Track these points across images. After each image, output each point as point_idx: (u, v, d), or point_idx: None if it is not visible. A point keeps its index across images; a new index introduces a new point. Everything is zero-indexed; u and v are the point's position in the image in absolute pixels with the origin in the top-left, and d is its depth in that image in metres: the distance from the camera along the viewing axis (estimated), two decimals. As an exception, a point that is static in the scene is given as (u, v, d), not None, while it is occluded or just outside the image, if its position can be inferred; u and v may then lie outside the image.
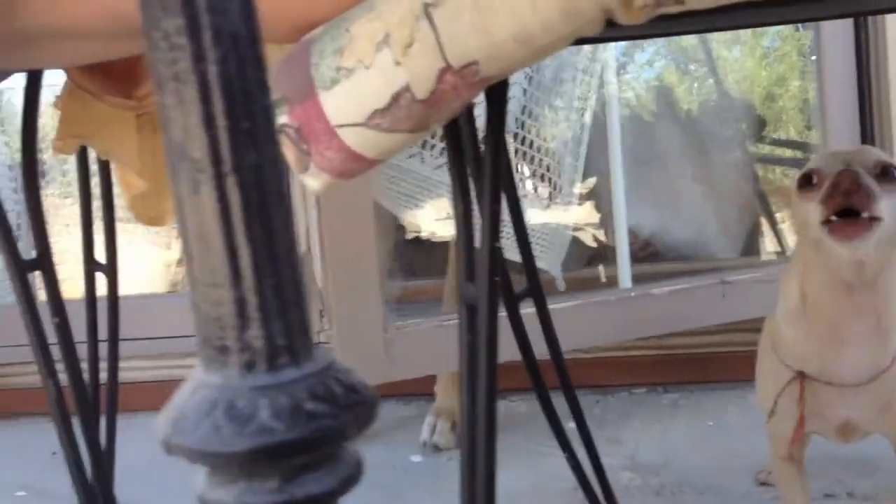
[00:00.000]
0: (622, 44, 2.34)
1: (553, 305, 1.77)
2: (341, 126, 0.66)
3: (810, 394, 1.07)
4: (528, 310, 1.58)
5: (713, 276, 1.91)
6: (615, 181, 2.00)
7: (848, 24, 2.00)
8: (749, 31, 2.98)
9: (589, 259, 2.62)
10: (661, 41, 2.67)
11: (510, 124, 1.82)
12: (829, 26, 2.03)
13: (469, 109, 0.90)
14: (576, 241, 2.27)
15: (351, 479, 0.41)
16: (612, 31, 0.60)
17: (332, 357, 0.43)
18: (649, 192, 2.43)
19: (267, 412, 0.37)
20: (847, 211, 0.94)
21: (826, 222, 0.96)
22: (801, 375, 1.07)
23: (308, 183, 0.70)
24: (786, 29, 3.01)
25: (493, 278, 0.76)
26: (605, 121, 2.09)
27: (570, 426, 1.94)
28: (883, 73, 1.96)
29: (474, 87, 0.63)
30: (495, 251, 0.76)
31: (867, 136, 2.02)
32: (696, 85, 3.14)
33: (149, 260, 3.11)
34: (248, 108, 0.39)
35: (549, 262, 1.95)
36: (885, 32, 1.94)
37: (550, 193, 1.97)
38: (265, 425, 0.37)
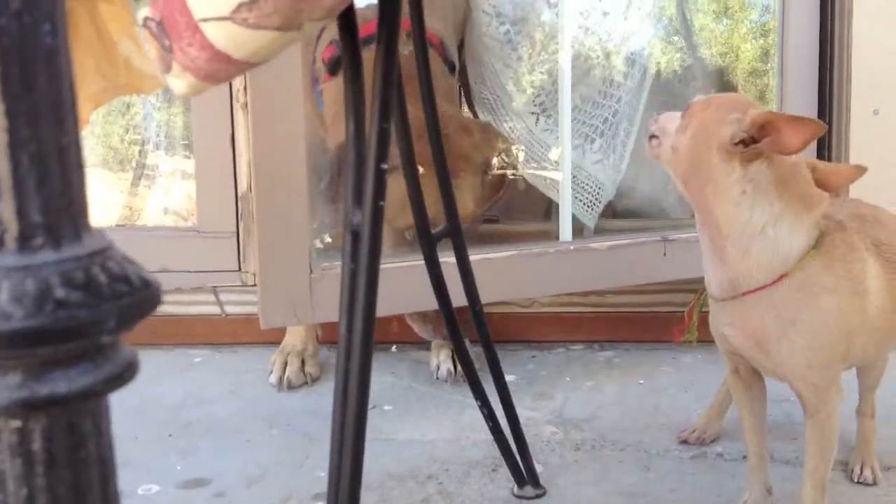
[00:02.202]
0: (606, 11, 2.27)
1: (490, 255, 1.74)
2: (205, 20, 0.60)
3: (708, 304, 1.21)
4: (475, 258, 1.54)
5: (655, 234, 1.88)
6: (563, 134, 1.95)
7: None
8: (738, 4, 2.98)
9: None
10: (643, 11, 2.59)
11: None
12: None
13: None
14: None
15: (115, 379, 0.36)
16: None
17: (108, 243, 0.38)
18: (610, 150, 2.39)
19: (6, 295, 0.33)
20: None
21: None
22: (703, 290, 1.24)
23: (173, 85, 0.65)
24: (775, 3, 2.97)
25: (379, 203, 0.72)
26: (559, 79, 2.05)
27: (506, 378, 1.92)
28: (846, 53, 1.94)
29: (348, -17, 0.58)
30: (382, 173, 0.71)
31: (824, 111, 2.00)
32: (677, 54, 3.11)
33: (97, 193, 3.04)
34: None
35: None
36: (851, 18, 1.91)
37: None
38: (2, 310, 0.32)
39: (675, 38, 2.96)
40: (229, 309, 2.13)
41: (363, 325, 0.72)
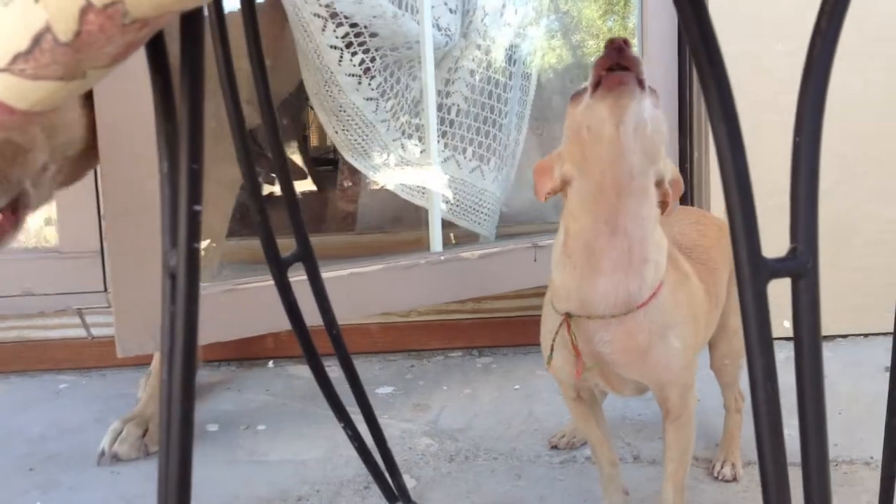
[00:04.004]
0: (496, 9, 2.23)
1: (359, 269, 1.73)
2: (-18, 70, 0.57)
3: (576, 330, 1.09)
4: (340, 272, 1.50)
5: (525, 240, 1.90)
6: (430, 142, 1.95)
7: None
8: (623, 1, 3.02)
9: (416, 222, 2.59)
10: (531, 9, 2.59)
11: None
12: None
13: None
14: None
15: None
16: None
17: None
18: (488, 154, 2.39)
19: None
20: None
21: (597, 87, 0.97)
22: (567, 316, 1.09)
23: (-42, 135, 0.61)
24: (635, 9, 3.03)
25: (193, 245, 0.70)
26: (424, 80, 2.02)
27: (383, 391, 1.92)
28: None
29: (129, 30, 0.56)
30: (195, 215, 0.69)
31: (685, 119, 2.05)
32: (559, 52, 3.13)
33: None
34: None
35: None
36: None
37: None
38: None
39: (557, 34, 2.99)
40: (96, 331, 2.06)
41: (183, 372, 0.70)
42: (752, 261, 0.59)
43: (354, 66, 1.90)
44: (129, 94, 1.41)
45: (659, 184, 1.07)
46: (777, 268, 0.62)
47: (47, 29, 0.55)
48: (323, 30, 1.86)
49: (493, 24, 2.12)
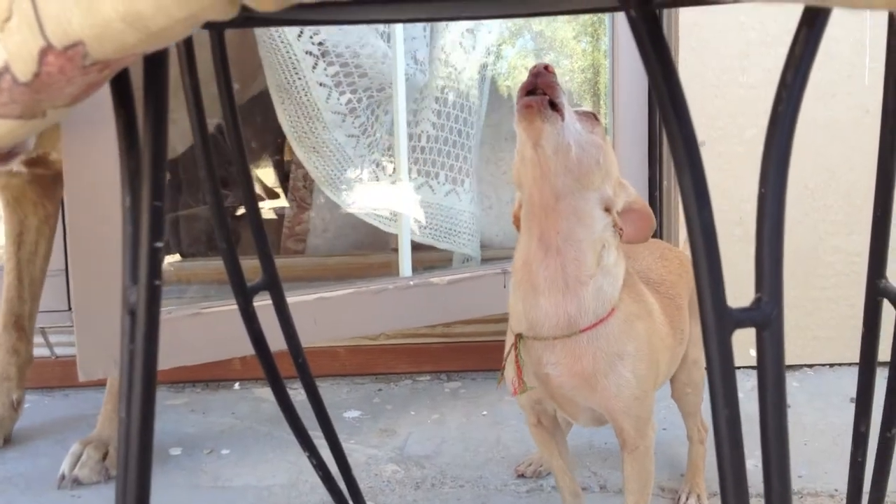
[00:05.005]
0: (471, 28, 2.21)
1: (327, 293, 1.72)
2: (-62, 107, 0.56)
3: (525, 352, 1.10)
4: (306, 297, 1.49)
5: (494, 266, 1.90)
6: (400, 167, 1.94)
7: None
8: (595, 23, 3.02)
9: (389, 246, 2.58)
10: (514, 29, 2.57)
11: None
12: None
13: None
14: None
15: None
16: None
17: None
18: (461, 176, 2.39)
19: None
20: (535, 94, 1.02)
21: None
22: (518, 337, 1.10)
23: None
24: (607, 45, 3.04)
25: (154, 282, 0.69)
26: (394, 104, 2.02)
27: (350, 415, 1.90)
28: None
29: (90, 71, 0.55)
30: (156, 252, 0.68)
31: (654, 143, 2.06)
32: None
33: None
34: None
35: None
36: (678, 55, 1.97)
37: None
38: None
39: (530, 54, 2.98)
40: (59, 350, 2.03)
41: (141, 409, 0.68)
42: (716, 311, 0.59)
43: (341, 104, 1.92)
44: (94, 118, 1.39)
45: (607, 210, 1.07)
46: (742, 318, 0.62)
47: (6, 69, 0.54)
48: (314, 67, 1.89)
49: (454, 49, 2.12)
